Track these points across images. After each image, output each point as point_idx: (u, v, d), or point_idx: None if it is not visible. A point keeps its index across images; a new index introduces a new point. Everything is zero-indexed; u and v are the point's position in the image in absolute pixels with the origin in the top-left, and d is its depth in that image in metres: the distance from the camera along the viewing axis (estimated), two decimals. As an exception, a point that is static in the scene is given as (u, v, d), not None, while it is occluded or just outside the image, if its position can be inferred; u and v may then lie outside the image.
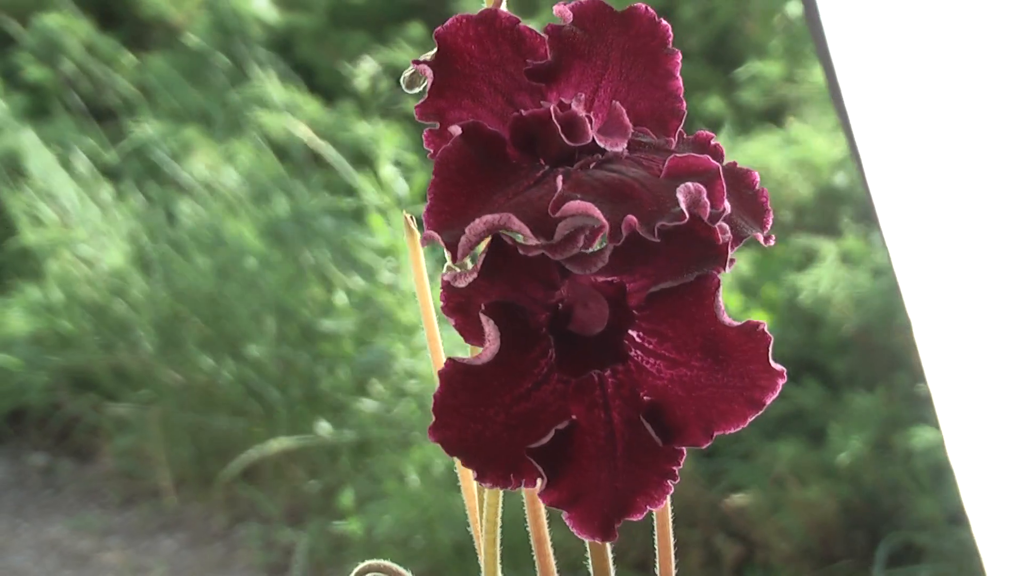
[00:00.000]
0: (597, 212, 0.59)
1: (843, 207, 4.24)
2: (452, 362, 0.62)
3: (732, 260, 0.62)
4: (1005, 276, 1.81)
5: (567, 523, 0.64)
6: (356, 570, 0.79)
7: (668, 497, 0.65)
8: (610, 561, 0.75)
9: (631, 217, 0.59)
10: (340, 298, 4.96)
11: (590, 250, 0.61)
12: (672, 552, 0.77)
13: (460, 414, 0.63)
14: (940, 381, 1.91)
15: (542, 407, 0.63)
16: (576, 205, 0.59)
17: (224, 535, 5.05)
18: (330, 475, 4.77)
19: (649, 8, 0.65)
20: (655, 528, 0.76)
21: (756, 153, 4.35)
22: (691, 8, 5.64)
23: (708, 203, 0.61)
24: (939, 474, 3.61)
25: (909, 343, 3.73)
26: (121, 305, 5.54)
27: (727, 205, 0.62)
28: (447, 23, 0.64)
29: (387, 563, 0.78)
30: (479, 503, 0.77)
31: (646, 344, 0.64)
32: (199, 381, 5.21)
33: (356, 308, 4.91)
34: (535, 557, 0.77)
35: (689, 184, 0.60)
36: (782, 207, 4.28)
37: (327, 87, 5.72)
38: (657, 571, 0.78)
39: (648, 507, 0.65)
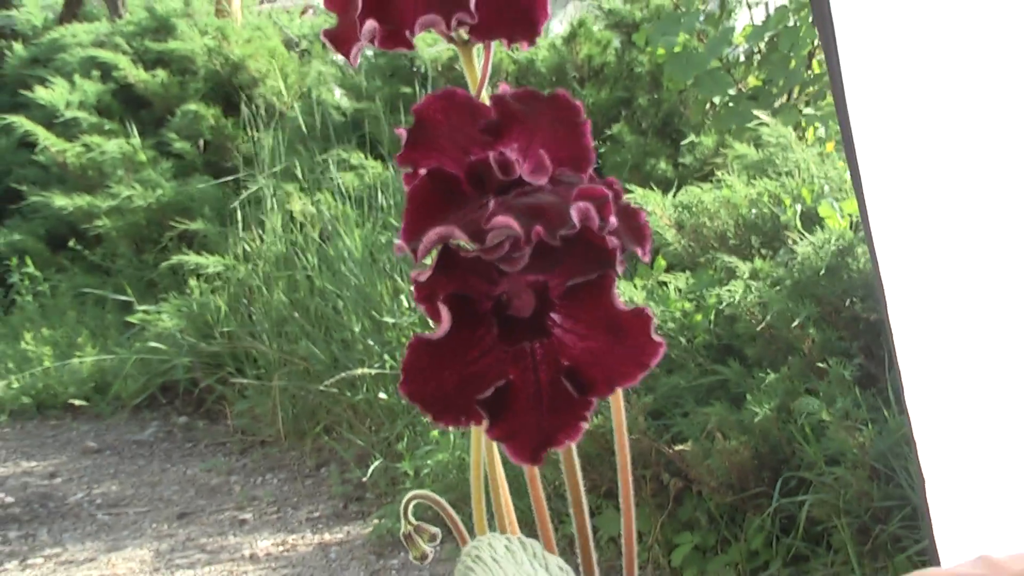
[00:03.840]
0: (515, 224, 0.60)
1: (755, 235, 4.23)
2: (417, 337, 0.63)
3: (623, 263, 0.63)
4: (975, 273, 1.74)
5: (506, 453, 0.65)
6: (406, 498, 0.78)
7: (580, 434, 0.65)
8: (582, 491, 0.74)
9: (538, 227, 0.60)
10: (401, 301, 4.97)
11: (516, 254, 0.62)
12: (631, 485, 0.77)
13: (422, 375, 0.63)
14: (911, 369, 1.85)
15: (487, 369, 0.64)
16: (501, 219, 0.60)
17: (313, 474, 5.05)
18: (388, 430, 4.77)
19: (568, 94, 0.65)
20: (618, 469, 0.76)
21: (694, 194, 4.34)
22: (646, 99, 5.64)
23: (597, 218, 0.62)
24: (821, 430, 3.59)
25: (804, 335, 3.74)
26: (244, 307, 5.55)
27: (613, 221, 0.63)
28: (422, 101, 0.65)
29: (429, 493, 0.78)
30: (487, 452, 0.77)
31: (564, 324, 0.64)
32: (299, 361, 5.22)
33: (412, 309, 4.92)
34: (529, 489, 0.77)
35: (581, 203, 0.61)
36: (713, 234, 4.28)
37: (385, 153, 5.73)
38: (619, 497, 0.77)
39: (568, 441, 0.65)
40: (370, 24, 0.67)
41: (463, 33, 0.68)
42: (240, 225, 5.74)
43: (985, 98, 1.63)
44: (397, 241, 0.64)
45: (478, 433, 0.74)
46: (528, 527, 0.77)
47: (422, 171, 0.64)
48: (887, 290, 1.79)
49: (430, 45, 5.74)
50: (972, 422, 1.76)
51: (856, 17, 1.70)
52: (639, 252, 0.65)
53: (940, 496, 1.83)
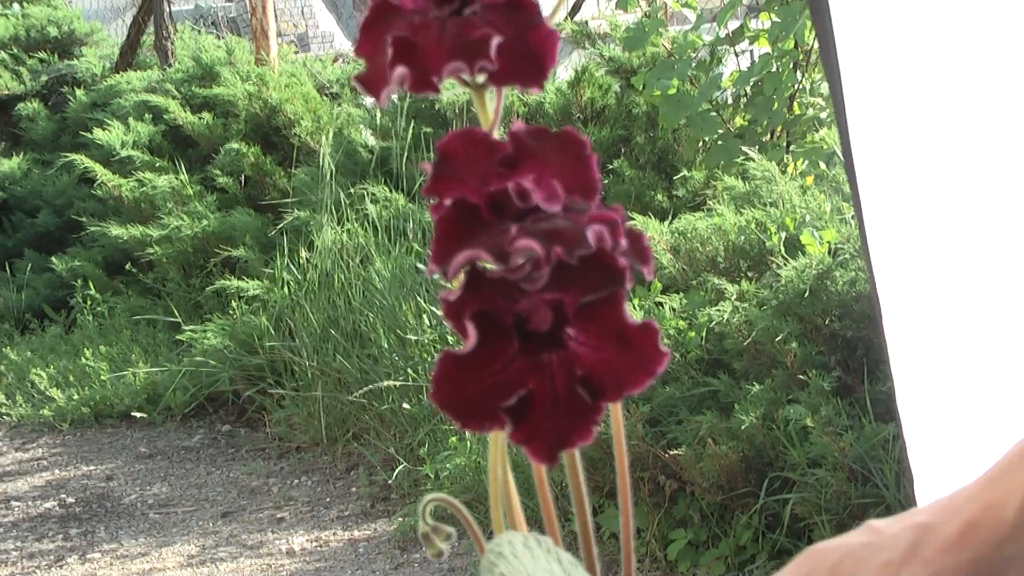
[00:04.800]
0: (536, 246, 0.60)
1: (742, 260, 4.23)
2: (446, 352, 0.63)
3: (631, 281, 0.63)
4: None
5: (526, 454, 0.65)
6: (424, 501, 0.78)
7: (594, 436, 0.65)
8: (585, 491, 0.74)
9: (558, 248, 0.61)
10: (423, 320, 4.97)
11: (536, 274, 0.62)
12: (630, 486, 0.76)
13: (451, 385, 0.63)
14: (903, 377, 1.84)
15: (509, 379, 0.64)
16: (524, 242, 0.61)
17: (343, 477, 5.04)
18: (411, 437, 4.77)
19: (575, 129, 0.66)
20: (618, 471, 0.76)
21: (688, 222, 4.35)
22: (643, 137, 5.64)
23: (610, 240, 0.62)
24: (804, 435, 3.59)
25: (787, 350, 3.74)
26: (284, 325, 5.56)
27: (623, 242, 0.63)
28: (444, 138, 0.66)
29: (445, 496, 0.77)
30: (499, 455, 0.77)
31: (578, 337, 0.64)
32: (332, 374, 5.22)
33: (433, 328, 4.92)
34: (538, 490, 0.76)
35: (595, 227, 0.62)
36: (704, 259, 4.28)
37: (409, 187, 5.74)
38: (619, 497, 0.77)
39: (581, 442, 0.65)
40: (400, 70, 0.67)
41: (479, 79, 0.68)
42: (278, 252, 5.75)
43: (978, 116, 1.62)
44: (424, 266, 0.64)
45: (496, 439, 0.74)
46: (537, 525, 0.76)
47: (447, 201, 0.64)
48: (882, 302, 1.79)
49: (448, 89, 5.75)
50: (955, 425, 1.76)
51: (855, 28, 1.69)
52: (644, 271, 0.65)
53: (925, 492, 1.83)
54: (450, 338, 4.70)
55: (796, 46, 5.01)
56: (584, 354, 0.64)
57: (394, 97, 5.91)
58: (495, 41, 0.66)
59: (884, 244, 1.78)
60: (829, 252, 3.93)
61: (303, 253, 5.64)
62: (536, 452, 0.65)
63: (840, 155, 4.58)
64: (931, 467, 1.82)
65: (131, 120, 7.18)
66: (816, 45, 4.97)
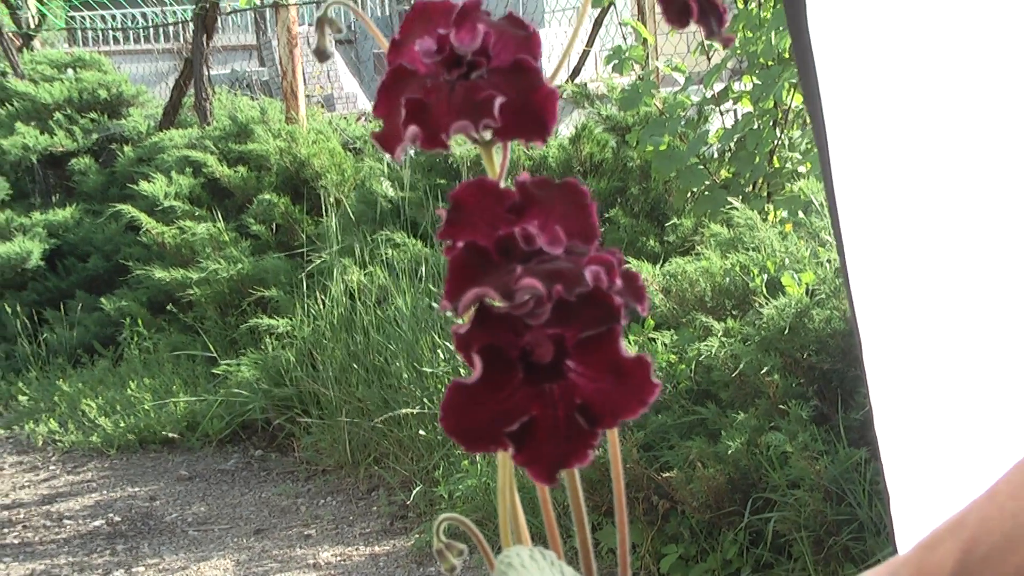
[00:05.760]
0: (539, 285, 0.60)
1: (728, 299, 4.23)
2: (455, 381, 0.63)
3: (626, 318, 0.63)
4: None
5: (528, 475, 0.65)
6: (438, 520, 0.78)
7: (590, 459, 0.65)
8: (584, 510, 0.74)
9: (559, 287, 0.61)
10: (438, 354, 4.97)
11: (539, 310, 0.62)
12: (625, 505, 0.76)
13: (459, 412, 0.63)
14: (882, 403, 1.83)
15: (513, 407, 0.64)
16: (528, 281, 0.61)
17: (365, 497, 5.03)
18: (427, 460, 4.76)
19: (577, 180, 0.66)
20: (615, 492, 0.76)
21: (678, 265, 4.35)
22: (637, 188, 5.65)
23: (606, 280, 0.62)
24: (784, 459, 3.58)
25: (769, 382, 3.73)
26: (310, 359, 5.56)
27: (619, 282, 0.63)
28: (457, 188, 0.66)
29: (458, 516, 0.77)
30: (508, 479, 0.76)
31: (577, 368, 0.64)
32: (355, 403, 5.22)
33: (447, 360, 4.92)
34: (542, 509, 0.76)
35: (593, 267, 0.62)
36: (693, 298, 4.27)
37: (427, 233, 5.74)
38: (615, 516, 0.77)
39: (578, 465, 0.65)
40: (412, 129, 0.67)
41: (487, 135, 0.68)
42: (306, 293, 5.75)
43: (951, 169, 1.62)
44: (436, 305, 0.64)
45: (505, 465, 0.74)
46: (541, 540, 0.76)
47: (459, 244, 0.64)
48: (862, 335, 1.78)
49: (459, 145, 5.75)
50: (929, 447, 1.75)
51: (839, 83, 1.69)
52: (639, 308, 0.65)
53: (902, 511, 1.81)
54: (462, 370, 4.69)
55: (775, 106, 5.02)
56: (583, 384, 0.64)
57: (410, 152, 5.92)
58: (498, 101, 0.66)
59: (863, 283, 1.78)
60: (807, 293, 3.93)
61: (330, 292, 5.64)
62: (537, 473, 0.65)
63: (821, 203, 4.59)
64: (906, 488, 1.81)
65: (173, 173, 7.20)
66: (793, 104, 4.98)
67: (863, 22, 1.65)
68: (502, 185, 0.68)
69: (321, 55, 0.82)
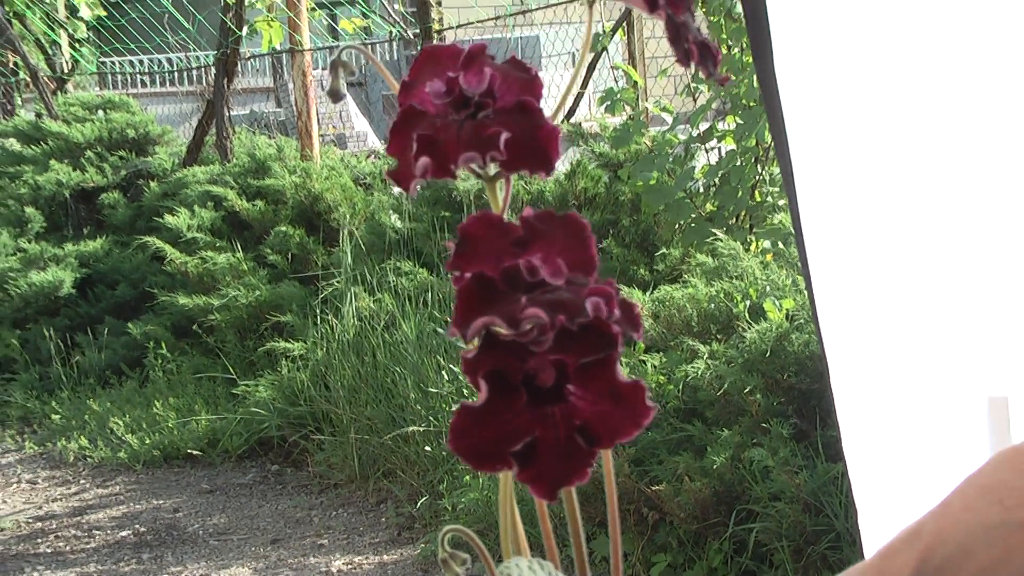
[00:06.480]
0: (543, 314, 0.60)
1: (713, 324, 4.22)
2: (463, 404, 0.63)
3: (623, 345, 0.63)
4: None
5: (531, 492, 0.64)
6: (442, 532, 0.77)
7: (589, 476, 0.64)
8: (579, 521, 0.73)
9: (561, 316, 0.61)
10: (443, 375, 4.96)
11: (543, 338, 0.61)
12: (617, 516, 0.76)
13: (466, 433, 0.63)
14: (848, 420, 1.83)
15: (517, 428, 0.63)
16: (532, 311, 0.60)
17: (374, 509, 5.01)
18: (432, 475, 4.75)
19: (577, 214, 0.65)
20: (608, 504, 0.75)
21: (666, 292, 4.35)
22: (628, 220, 5.65)
23: (606, 310, 0.62)
24: (766, 473, 3.57)
25: (752, 401, 3.72)
26: (323, 380, 5.55)
27: (617, 312, 0.63)
28: (465, 221, 0.66)
29: (461, 527, 0.76)
30: (508, 493, 0.76)
31: (577, 392, 0.64)
32: (365, 421, 5.20)
33: (451, 381, 4.91)
34: (539, 520, 0.76)
35: (594, 298, 0.61)
36: (681, 323, 4.27)
37: (432, 263, 5.74)
38: (608, 526, 0.76)
39: (578, 482, 0.64)
40: (424, 160, 0.67)
41: (491, 169, 0.68)
42: (319, 318, 5.75)
43: (916, 185, 1.62)
44: (443, 330, 0.63)
45: (506, 480, 0.73)
46: (539, 550, 0.76)
47: (467, 275, 0.64)
48: (829, 362, 1.78)
49: (464, 180, 5.76)
50: (892, 465, 1.75)
51: (804, 127, 1.69)
52: (634, 335, 0.64)
53: (868, 523, 1.81)
54: (466, 390, 4.68)
55: (757, 144, 5.03)
56: (582, 407, 0.64)
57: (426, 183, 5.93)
58: (504, 136, 0.66)
59: (830, 313, 1.79)
60: (787, 318, 3.92)
61: (342, 318, 5.64)
62: (539, 490, 0.64)
63: (793, 235, 4.59)
64: (873, 501, 1.82)
65: (196, 207, 7.20)
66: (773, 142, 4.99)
67: (827, 68, 1.66)
68: (506, 218, 0.68)
69: (335, 96, 0.82)
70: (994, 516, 0.73)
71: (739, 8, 5.05)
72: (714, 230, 4.83)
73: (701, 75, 0.78)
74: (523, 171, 0.68)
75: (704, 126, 5.36)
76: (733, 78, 5.09)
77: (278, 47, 8.10)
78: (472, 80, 0.69)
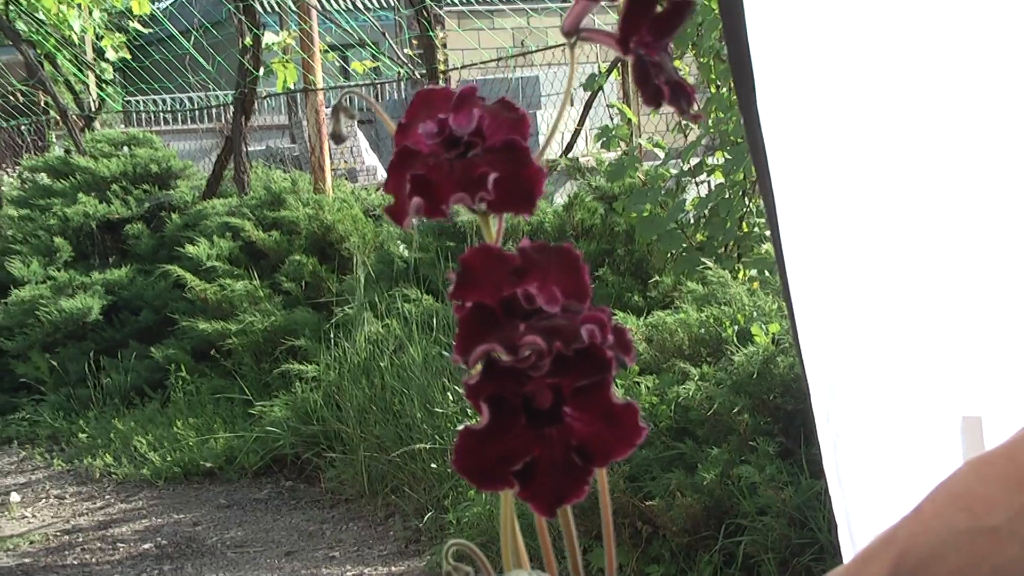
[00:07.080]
0: (540, 341, 0.60)
1: (703, 348, 4.22)
2: (466, 427, 0.63)
3: (616, 368, 0.63)
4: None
5: (531, 508, 0.64)
6: (446, 545, 0.77)
7: (586, 493, 0.64)
8: (575, 535, 0.73)
9: (558, 343, 0.61)
10: (448, 396, 4.96)
11: (540, 363, 0.61)
12: (612, 530, 0.76)
13: (469, 454, 0.63)
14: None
15: (517, 449, 0.63)
16: (530, 338, 0.60)
17: (383, 523, 5.00)
18: (438, 490, 4.74)
19: (572, 245, 0.66)
20: (603, 518, 0.75)
21: (659, 317, 4.35)
22: (623, 250, 5.65)
23: (600, 336, 0.62)
24: (753, 489, 3.56)
25: (740, 420, 3.72)
26: (334, 401, 5.54)
27: (611, 338, 0.63)
28: (465, 252, 0.66)
29: (464, 541, 0.76)
30: (509, 508, 0.76)
31: (574, 414, 0.64)
32: (374, 439, 5.19)
33: (456, 402, 4.90)
34: (538, 534, 0.76)
35: (589, 325, 0.62)
36: (672, 347, 4.26)
37: (438, 290, 5.74)
38: (603, 539, 0.76)
39: (576, 499, 0.64)
40: (416, 200, 0.68)
41: (481, 207, 0.68)
42: (331, 342, 5.75)
43: (892, 216, 1.62)
44: (448, 353, 0.63)
45: (507, 497, 0.73)
46: (538, 562, 0.76)
47: (468, 304, 0.64)
48: (811, 384, 1.79)
49: (465, 213, 5.76)
50: (871, 483, 1.75)
51: (785, 163, 1.69)
52: (626, 360, 0.64)
53: (846, 536, 1.81)
54: (469, 410, 4.68)
55: (744, 177, 5.04)
56: (578, 428, 0.64)
57: (423, 219, 5.95)
58: (492, 177, 0.67)
59: (811, 337, 1.79)
60: (773, 342, 3.92)
61: (352, 342, 5.64)
62: (539, 507, 0.64)
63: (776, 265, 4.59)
64: (853, 516, 1.81)
65: (215, 237, 7.22)
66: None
67: (807, 108, 1.67)
68: (503, 249, 0.68)
69: (337, 139, 0.83)
70: (963, 522, 0.74)
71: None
72: (704, 259, 4.83)
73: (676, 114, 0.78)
74: (509, 212, 0.68)
75: (695, 161, 5.37)
76: (722, 115, 5.10)
77: (293, 87, 8.13)
78: (462, 120, 0.69)
